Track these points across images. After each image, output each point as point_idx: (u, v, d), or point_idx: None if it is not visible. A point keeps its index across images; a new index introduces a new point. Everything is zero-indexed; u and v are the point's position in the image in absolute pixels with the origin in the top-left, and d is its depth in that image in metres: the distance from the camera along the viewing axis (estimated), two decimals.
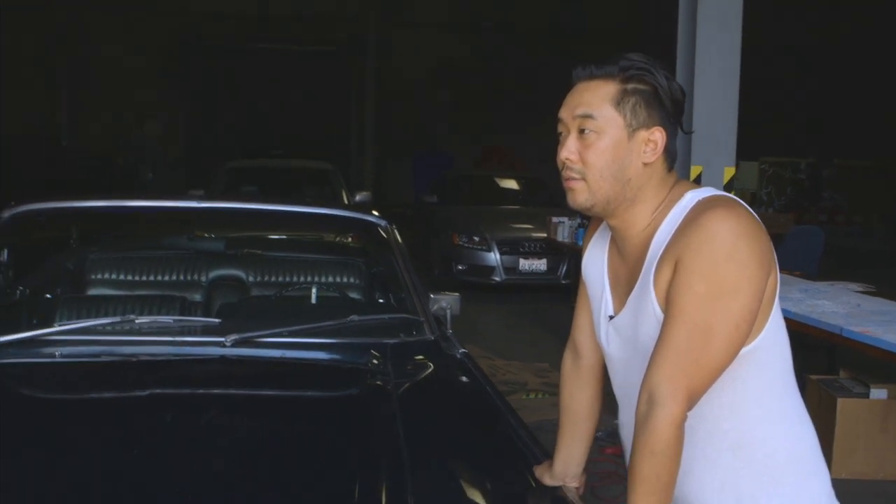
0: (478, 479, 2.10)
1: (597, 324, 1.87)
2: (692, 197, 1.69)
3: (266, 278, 4.04)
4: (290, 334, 2.89)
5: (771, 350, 1.70)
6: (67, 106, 19.41)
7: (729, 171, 6.61)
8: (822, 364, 5.71)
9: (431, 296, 3.39)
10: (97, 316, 3.19)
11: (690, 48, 6.68)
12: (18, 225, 3.50)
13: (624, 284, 1.78)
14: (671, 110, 1.72)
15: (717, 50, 6.59)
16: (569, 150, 1.72)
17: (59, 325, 2.91)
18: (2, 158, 13.17)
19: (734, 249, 1.59)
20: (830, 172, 19.05)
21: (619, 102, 1.70)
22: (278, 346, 2.84)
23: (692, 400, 1.60)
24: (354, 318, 3.01)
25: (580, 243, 2.15)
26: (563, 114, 1.75)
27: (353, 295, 3.94)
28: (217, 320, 3.05)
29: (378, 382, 2.62)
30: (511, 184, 13.00)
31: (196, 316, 3.41)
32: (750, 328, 1.62)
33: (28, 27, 17.82)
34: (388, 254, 3.59)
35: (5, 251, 3.83)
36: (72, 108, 19.43)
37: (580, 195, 1.73)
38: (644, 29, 14.48)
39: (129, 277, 3.98)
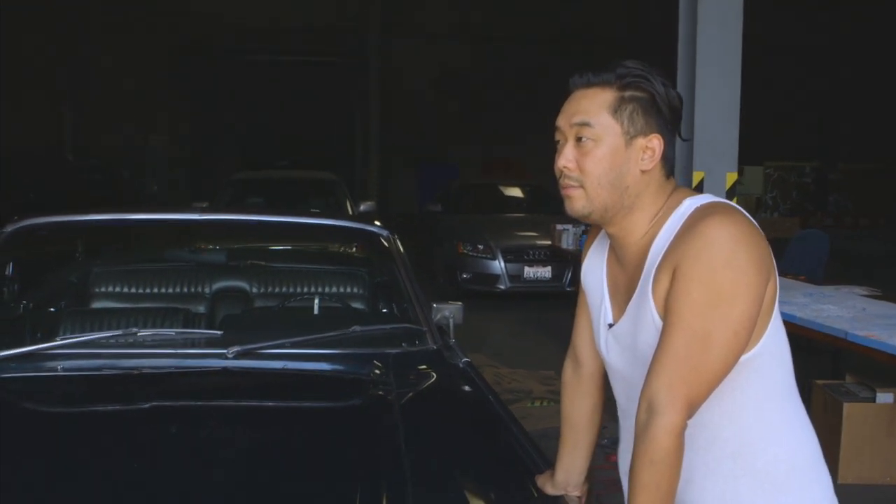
0: (479, 488, 2.10)
1: (596, 332, 1.86)
2: (690, 204, 1.69)
3: (270, 289, 4.05)
4: (293, 345, 2.89)
5: (771, 357, 1.69)
6: (71, 118, 19.46)
7: (731, 177, 6.59)
8: (828, 369, 5.69)
9: (434, 305, 3.39)
10: (100, 329, 3.19)
11: (691, 53, 6.68)
12: (21, 239, 3.50)
13: (623, 292, 1.77)
14: (669, 117, 1.72)
15: (718, 54, 6.58)
16: (566, 159, 1.72)
17: (62, 339, 2.91)
18: (3, 171, 13.17)
19: (732, 256, 1.58)
20: (836, 176, 19.00)
21: (616, 110, 1.70)
22: (280, 357, 2.84)
23: (692, 408, 1.59)
24: (356, 328, 3.00)
25: None
26: (561, 122, 1.75)
27: (357, 305, 3.95)
28: (219, 332, 3.05)
29: (380, 393, 2.62)
30: (515, 192, 13.01)
31: (200, 328, 3.42)
32: (749, 335, 1.62)
33: (29, 38, 17.86)
34: (391, 264, 3.59)
35: (10, 265, 3.85)
36: (76, 121, 19.48)
37: (578, 203, 1.73)
38: (649, 35, 14.48)
39: (133, 290, 4.00)
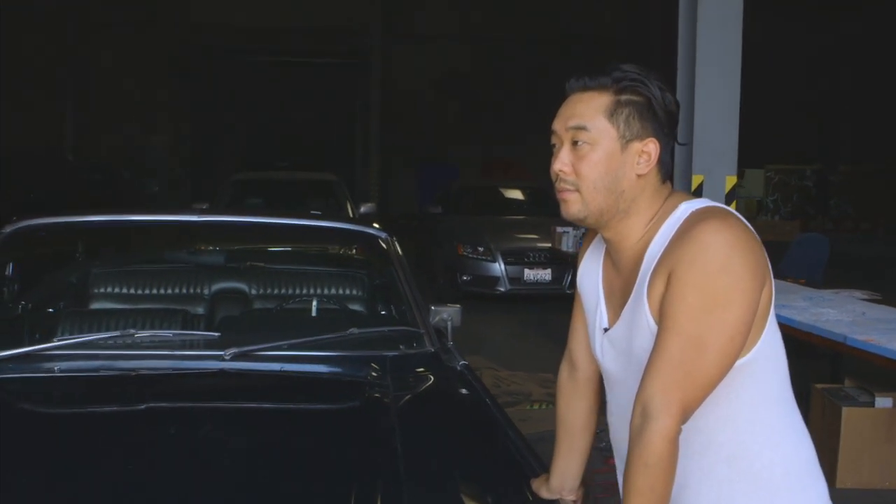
0: (475, 492, 2.10)
1: (592, 336, 1.86)
2: (686, 208, 1.68)
3: (269, 291, 4.04)
4: (290, 347, 2.89)
5: (766, 362, 1.69)
6: (72, 118, 19.47)
7: (731, 180, 6.59)
8: (827, 373, 5.69)
9: (432, 308, 3.39)
10: (98, 330, 3.19)
11: (691, 55, 6.68)
12: (20, 240, 3.50)
13: (618, 296, 1.77)
14: (665, 122, 1.72)
15: (718, 57, 6.58)
16: (562, 162, 1.72)
17: (59, 340, 2.91)
18: (2, 170, 13.18)
19: (727, 261, 1.58)
20: (837, 178, 19.01)
21: (612, 114, 1.69)
22: (278, 359, 2.84)
23: (686, 413, 1.59)
24: (354, 330, 3.01)
25: None
26: (557, 125, 1.74)
27: (356, 307, 3.94)
28: (216, 334, 3.05)
29: (377, 395, 2.62)
30: (515, 194, 13.00)
31: (199, 329, 3.42)
32: (744, 340, 1.62)
33: (30, 38, 17.88)
34: (389, 266, 3.59)
35: (10, 266, 3.84)
36: (76, 121, 19.49)
37: (573, 206, 1.73)
38: (649, 36, 14.48)
39: (132, 291, 3.99)
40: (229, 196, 10.34)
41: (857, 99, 19.82)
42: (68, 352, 2.84)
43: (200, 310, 3.88)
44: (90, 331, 3.22)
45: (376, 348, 3.02)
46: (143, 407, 2.41)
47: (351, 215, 9.96)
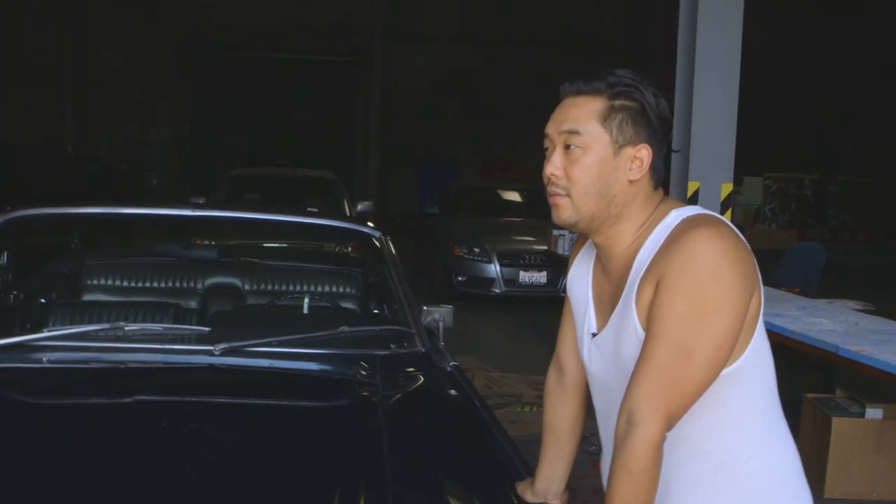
0: (460, 493, 2.09)
1: (580, 341, 1.86)
2: (677, 215, 1.68)
3: (262, 287, 4.04)
4: (280, 344, 2.88)
5: (754, 371, 1.69)
6: (73, 113, 19.45)
7: (727, 188, 6.57)
8: (819, 382, 5.69)
9: (424, 308, 3.38)
10: (90, 322, 3.19)
11: (690, 61, 6.67)
12: (14, 230, 3.50)
13: (607, 302, 1.77)
14: (658, 128, 1.72)
15: (717, 63, 6.57)
16: (554, 166, 1.72)
17: (48, 331, 2.91)
18: (3, 164, 13.17)
19: (717, 269, 1.57)
20: (836, 188, 19.02)
21: (605, 119, 1.69)
22: (268, 355, 2.83)
23: (671, 420, 1.58)
24: (345, 329, 3.00)
25: None
26: (550, 129, 1.74)
27: (349, 305, 3.94)
28: (207, 329, 3.05)
29: (365, 394, 2.61)
30: (513, 196, 12.99)
31: (191, 323, 3.42)
32: (731, 349, 1.61)
33: (31, 32, 17.86)
34: (382, 265, 3.59)
35: (4, 255, 3.83)
36: (77, 115, 19.47)
37: (565, 211, 1.73)
38: (650, 38, 14.49)
39: (126, 284, 3.99)
40: (226, 191, 10.34)
41: (858, 110, 19.82)
42: (58, 343, 2.83)
43: (193, 304, 3.87)
44: (81, 322, 3.22)
45: (367, 347, 3.01)
46: (130, 400, 2.41)
47: (348, 213, 9.96)
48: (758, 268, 1.67)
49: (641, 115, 1.70)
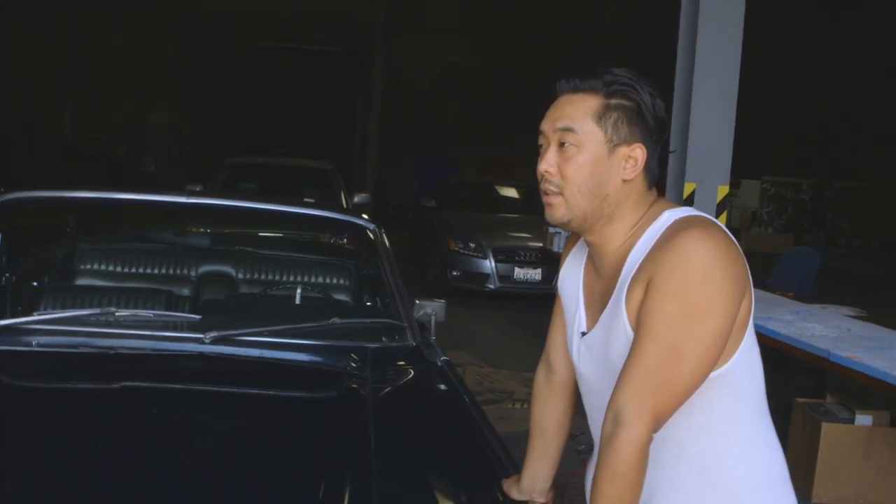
0: (445, 487, 2.09)
1: (570, 339, 1.85)
2: (669, 216, 1.67)
3: (255, 276, 4.03)
4: (271, 334, 2.88)
5: (743, 374, 1.68)
6: (72, 95, 19.39)
7: (723, 190, 6.57)
8: (810, 387, 5.69)
9: (417, 301, 3.38)
10: (81, 306, 3.18)
11: (689, 63, 6.67)
12: (7, 213, 3.48)
13: (598, 301, 1.76)
14: (654, 128, 1.71)
15: (717, 66, 6.57)
16: (548, 163, 1.71)
17: (39, 314, 2.90)
18: (1, 147, 13.14)
19: (708, 271, 1.57)
20: (833, 194, 19.02)
21: (600, 117, 1.68)
22: (258, 345, 2.83)
23: (658, 422, 1.58)
24: (336, 320, 3.00)
25: None
26: (545, 126, 1.73)
27: (341, 297, 3.93)
28: (198, 316, 3.04)
29: (354, 386, 2.61)
30: (510, 192, 12.98)
31: (183, 311, 3.41)
32: (721, 351, 1.61)
33: (30, 16, 17.79)
34: (376, 257, 3.58)
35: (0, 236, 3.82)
36: (77, 98, 19.42)
37: (558, 210, 1.72)
38: (652, 37, 14.46)
39: (119, 269, 3.97)
40: (223, 179, 10.31)
41: (858, 112, 19.80)
42: (48, 326, 2.82)
43: (186, 291, 3.86)
44: (73, 306, 3.21)
45: (358, 339, 3.01)
46: (118, 386, 2.40)
47: (345, 205, 9.94)
48: (749, 271, 1.66)
49: (637, 115, 1.69)
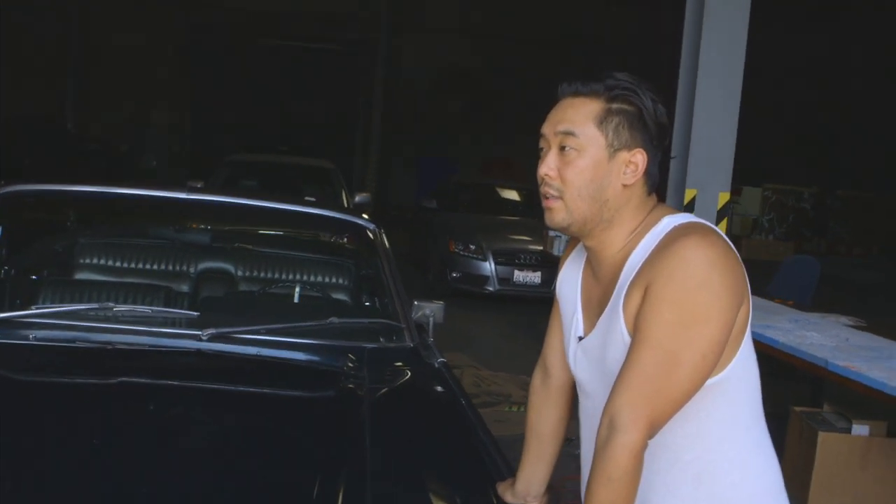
0: (440, 489, 2.08)
1: (567, 344, 1.85)
2: (668, 222, 1.67)
3: (255, 273, 4.03)
4: (268, 332, 2.88)
5: (739, 382, 1.68)
6: (75, 91, 19.39)
7: (723, 197, 6.55)
8: (808, 396, 5.68)
9: (415, 302, 3.37)
10: (80, 301, 3.18)
11: (693, 69, 6.66)
12: (6, 206, 3.48)
13: (596, 306, 1.76)
14: (654, 133, 1.71)
15: (720, 71, 6.55)
16: (548, 166, 1.71)
17: (36, 308, 2.90)
18: (3, 141, 13.12)
19: (706, 278, 1.56)
20: (834, 202, 19.02)
21: (602, 121, 1.68)
22: (255, 342, 2.83)
23: (654, 428, 1.57)
24: (334, 320, 2.99)
25: None
26: (546, 129, 1.73)
27: (340, 296, 3.93)
28: (195, 313, 3.03)
29: (351, 386, 2.60)
30: (511, 194, 12.95)
31: (182, 307, 3.41)
32: (717, 358, 1.60)
33: (33, 16, 17.80)
34: (375, 257, 3.58)
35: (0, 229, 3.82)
36: (80, 94, 19.41)
37: (557, 215, 1.72)
38: (656, 39, 14.45)
39: (118, 264, 3.97)
40: (224, 176, 10.31)
41: (860, 117, 19.79)
42: (46, 320, 2.82)
43: (185, 288, 3.86)
44: (71, 301, 3.21)
45: (355, 339, 3.01)
46: (114, 381, 2.40)
47: (346, 204, 9.94)
48: (747, 278, 1.66)
49: (638, 120, 1.69)
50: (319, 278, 4.01)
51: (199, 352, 2.72)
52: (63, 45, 18.81)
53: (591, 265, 1.80)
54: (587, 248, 1.79)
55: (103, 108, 19.02)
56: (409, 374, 2.88)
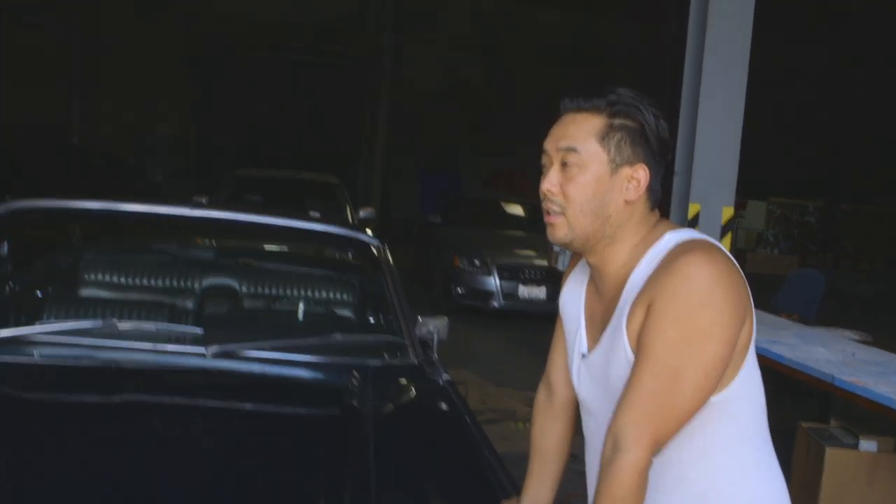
0: None
1: (570, 360, 1.84)
2: (671, 238, 1.66)
3: (259, 290, 4.02)
4: (273, 349, 2.87)
5: (743, 400, 1.67)
6: (79, 103, 19.45)
7: (727, 211, 6.54)
8: (814, 411, 5.66)
9: (420, 319, 3.36)
10: (84, 317, 3.17)
11: (695, 84, 6.66)
12: (10, 221, 3.48)
13: (599, 322, 1.75)
14: (657, 149, 1.70)
15: (723, 87, 6.55)
16: (550, 182, 1.70)
17: (41, 325, 2.89)
18: (7, 153, 13.15)
19: (710, 295, 1.56)
20: (840, 216, 19.00)
21: (604, 137, 1.67)
22: (259, 360, 2.82)
23: (658, 446, 1.57)
24: (338, 336, 2.98)
25: None
26: (548, 145, 1.73)
27: (345, 312, 3.92)
28: (200, 330, 3.03)
29: (355, 404, 2.59)
30: (516, 209, 12.95)
31: (187, 323, 3.40)
32: (720, 376, 1.59)
33: (41, 23, 17.89)
34: (379, 273, 3.57)
35: (4, 245, 3.82)
36: (84, 106, 19.48)
37: (559, 231, 1.71)
38: (659, 53, 14.48)
39: (123, 280, 3.97)
40: (229, 191, 10.32)
41: (865, 139, 19.79)
42: (50, 338, 2.81)
43: (189, 304, 3.85)
44: (76, 317, 3.20)
45: (360, 356, 3.00)
46: (118, 400, 2.39)
47: (350, 220, 9.94)
48: (751, 295, 1.65)
49: (640, 136, 1.68)
50: (324, 294, 4.00)
51: (203, 370, 2.71)
52: (66, 56, 18.88)
53: (594, 281, 1.79)
54: (590, 265, 1.78)
55: (106, 120, 19.08)
56: (414, 391, 2.87)
